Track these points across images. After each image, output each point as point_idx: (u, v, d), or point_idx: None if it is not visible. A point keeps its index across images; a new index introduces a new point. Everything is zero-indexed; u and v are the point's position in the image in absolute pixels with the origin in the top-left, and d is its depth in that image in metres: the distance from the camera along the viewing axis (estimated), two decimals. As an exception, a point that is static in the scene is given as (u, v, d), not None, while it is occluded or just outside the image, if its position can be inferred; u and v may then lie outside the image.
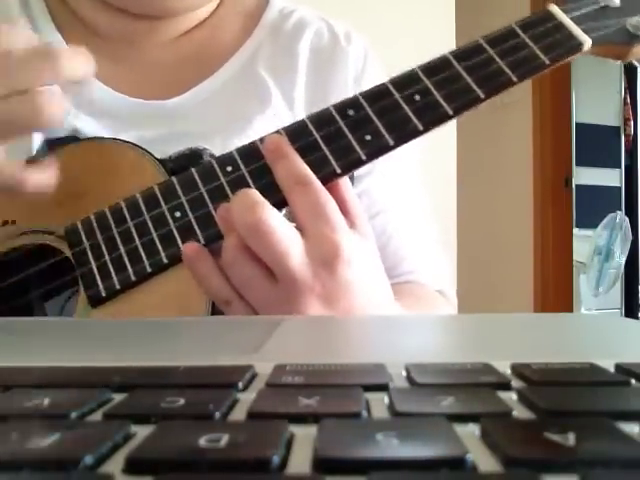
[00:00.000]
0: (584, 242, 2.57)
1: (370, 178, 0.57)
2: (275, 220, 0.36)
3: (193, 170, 0.42)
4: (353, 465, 0.11)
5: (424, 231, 0.61)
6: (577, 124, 2.52)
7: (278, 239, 0.36)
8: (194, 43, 0.57)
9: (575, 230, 2.49)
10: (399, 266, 0.56)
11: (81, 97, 0.52)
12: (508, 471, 0.11)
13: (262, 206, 0.36)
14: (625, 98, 2.73)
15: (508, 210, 2.53)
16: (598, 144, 2.65)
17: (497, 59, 0.41)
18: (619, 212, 2.60)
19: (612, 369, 0.17)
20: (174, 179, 0.42)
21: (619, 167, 2.77)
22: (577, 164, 2.51)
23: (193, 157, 0.47)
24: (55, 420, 0.13)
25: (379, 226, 0.56)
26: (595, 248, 2.59)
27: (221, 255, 0.38)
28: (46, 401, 0.14)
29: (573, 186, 2.45)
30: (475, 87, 0.41)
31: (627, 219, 2.63)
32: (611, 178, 2.75)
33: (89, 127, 0.50)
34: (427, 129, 0.40)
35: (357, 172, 0.55)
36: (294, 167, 0.39)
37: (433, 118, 0.40)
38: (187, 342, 0.26)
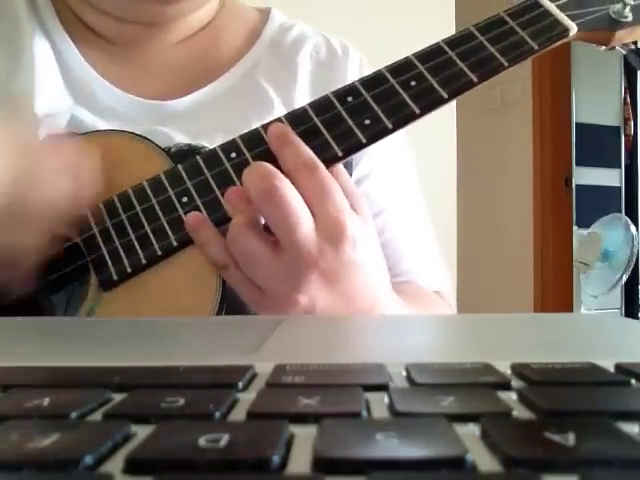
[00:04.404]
0: (584, 242, 2.56)
1: (368, 181, 0.58)
2: (289, 189, 0.38)
3: (198, 157, 0.43)
4: (353, 465, 0.11)
5: (422, 232, 0.62)
6: (577, 124, 2.52)
7: (291, 208, 0.38)
8: (195, 50, 0.58)
9: (575, 230, 2.49)
10: (397, 266, 0.57)
11: (83, 92, 0.52)
12: (508, 471, 0.11)
13: (277, 175, 0.38)
14: (625, 98, 2.73)
15: (508, 210, 2.53)
16: (598, 144, 2.65)
17: (488, 45, 0.43)
18: (631, 224, 2.57)
19: (612, 369, 0.17)
20: (180, 166, 0.43)
21: (619, 167, 2.76)
22: (577, 164, 2.51)
23: (192, 153, 0.48)
24: (55, 420, 0.13)
25: (378, 227, 0.56)
26: (602, 252, 2.57)
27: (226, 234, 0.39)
28: (46, 401, 0.14)
29: (573, 186, 2.45)
30: (468, 72, 0.42)
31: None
32: (611, 178, 2.75)
33: (88, 120, 0.51)
34: (424, 112, 0.42)
35: (355, 175, 0.56)
36: (300, 152, 0.41)
37: (429, 102, 0.42)
38: (187, 342, 0.26)
